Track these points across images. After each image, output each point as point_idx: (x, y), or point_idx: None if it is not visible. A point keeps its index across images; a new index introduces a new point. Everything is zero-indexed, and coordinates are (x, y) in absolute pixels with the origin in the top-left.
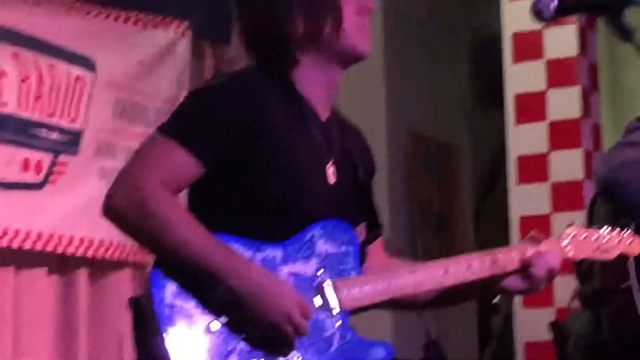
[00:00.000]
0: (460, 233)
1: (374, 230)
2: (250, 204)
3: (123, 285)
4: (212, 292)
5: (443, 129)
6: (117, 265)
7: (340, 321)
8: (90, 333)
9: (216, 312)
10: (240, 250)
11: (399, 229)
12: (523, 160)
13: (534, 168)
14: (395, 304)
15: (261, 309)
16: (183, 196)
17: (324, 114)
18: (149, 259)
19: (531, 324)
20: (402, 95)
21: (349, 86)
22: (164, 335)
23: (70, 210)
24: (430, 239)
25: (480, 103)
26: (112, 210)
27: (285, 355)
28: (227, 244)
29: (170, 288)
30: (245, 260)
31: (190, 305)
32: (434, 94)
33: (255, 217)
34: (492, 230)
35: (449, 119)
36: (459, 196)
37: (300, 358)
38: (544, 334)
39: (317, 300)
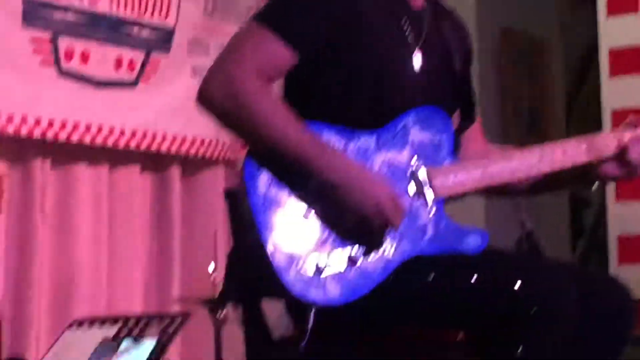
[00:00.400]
0: (552, 129)
1: (469, 118)
2: (344, 92)
3: (215, 182)
4: (304, 182)
5: (534, 24)
6: (209, 162)
7: (435, 209)
8: (184, 229)
9: (309, 202)
10: (334, 138)
11: (490, 126)
12: (616, 53)
13: (627, 61)
14: (489, 192)
15: (353, 201)
16: (277, 86)
17: (416, 3)
18: (241, 156)
19: (624, 218)
20: None
21: None
22: (258, 224)
23: (163, 107)
24: (522, 136)
25: None
26: (207, 99)
27: (376, 246)
28: (321, 134)
29: (264, 177)
30: (339, 152)
31: (283, 194)
32: None
33: (348, 105)
34: (584, 126)
35: (540, 14)
36: (550, 92)
37: (394, 246)
38: (638, 228)
39: (411, 189)
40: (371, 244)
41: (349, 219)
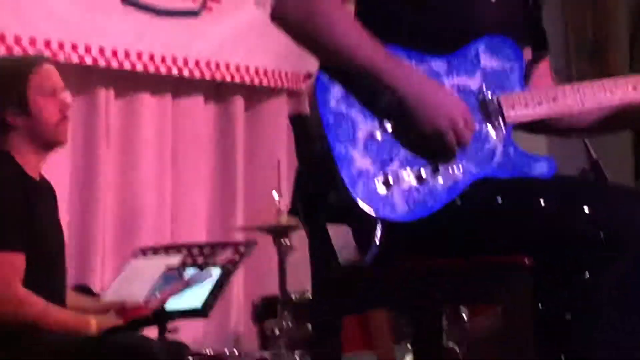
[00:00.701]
0: (615, 59)
1: (540, 52)
2: (416, 15)
3: (278, 111)
4: (377, 96)
5: None
6: (272, 92)
7: (504, 135)
8: (247, 159)
9: (380, 118)
10: (405, 60)
11: (553, 56)
12: None
13: None
14: (555, 128)
15: (425, 115)
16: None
17: None
18: (303, 85)
19: None
20: None
21: None
22: (329, 139)
23: (227, 37)
24: (584, 66)
25: None
26: (281, 16)
27: (445, 163)
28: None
29: (335, 93)
30: (412, 67)
31: (354, 110)
32: None
33: (420, 28)
34: None
35: None
36: (614, 22)
37: (463, 167)
38: None
39: (481, 114)
40: (440, 160)
41: (421, 133)
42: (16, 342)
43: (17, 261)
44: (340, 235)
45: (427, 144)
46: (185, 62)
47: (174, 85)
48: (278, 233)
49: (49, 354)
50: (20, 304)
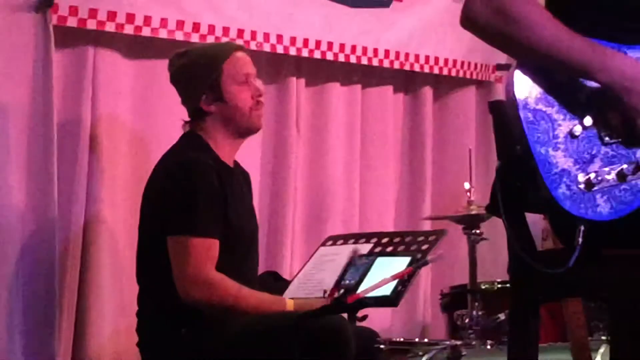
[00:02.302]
0: None
1: None
2: (609, 8)
3: (467, 103)
4: (579, 89)
5: None
6: (461, 82)
7: None
8: (436, 149)
9: (581, 113)
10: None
11: None
12: None
13: None
14: None
15: (633, 101)
16: None
17: None
18: (492, 77)
19: None
20: None
21: None
22: (528, 138)
23: (417, 27)
24: None
25: None
26: (471, 20)
27: None
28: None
29: (533, 92)
30: (617, 53)
31: (552, 109)
32: None
33: (614, 20)
34: None
35: None
36: None
37: None
38: None
39: None
40: None
41: (627, 120)
42: (209, 323)
43: (212, 247)
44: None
45: (634, 131)
46: (375, 52)
47: (364, 74)
48: (468, 223)
49: (244, 333)
50: (215, 288)
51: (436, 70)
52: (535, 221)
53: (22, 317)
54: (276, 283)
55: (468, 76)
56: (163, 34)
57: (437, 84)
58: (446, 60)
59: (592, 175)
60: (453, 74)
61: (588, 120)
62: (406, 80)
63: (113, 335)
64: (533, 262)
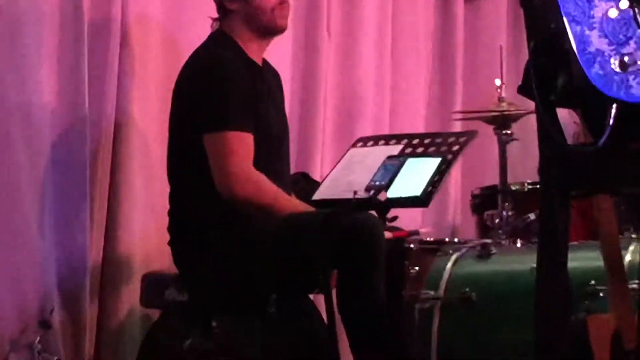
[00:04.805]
0: None
1: None
2: None
3: (499, 1)
4: None
5: None
6: None
7: None
8: (467, 50)
9: None
10: None
11: None
12: None
13: None
14: None
15: None
16: None
17: None
18: None
19: None
20: None
21: None
22: (565, 16)
23: None
24: None
25: None
26: None
27: None
28: None
29: None
30: None
31: None
32: None
33: None
34: None
35: None
36: None
37: None
38: None
39: None
40: None
41: None
42: (242, 220)
43: (249, 141)
44: (565, 119)
45: None
46: None
47: None
48: (499, 122)
49: (276, 230)
50: (256, 186)
51: None
52: (566, 123)
53: (53, 214)
54: (307, 184)
55: None
56: None
57: None
58: None
59: (627, 58)
60: None
61: (625, 2)
62: None
63: (144, 234)
64: (563, 140)
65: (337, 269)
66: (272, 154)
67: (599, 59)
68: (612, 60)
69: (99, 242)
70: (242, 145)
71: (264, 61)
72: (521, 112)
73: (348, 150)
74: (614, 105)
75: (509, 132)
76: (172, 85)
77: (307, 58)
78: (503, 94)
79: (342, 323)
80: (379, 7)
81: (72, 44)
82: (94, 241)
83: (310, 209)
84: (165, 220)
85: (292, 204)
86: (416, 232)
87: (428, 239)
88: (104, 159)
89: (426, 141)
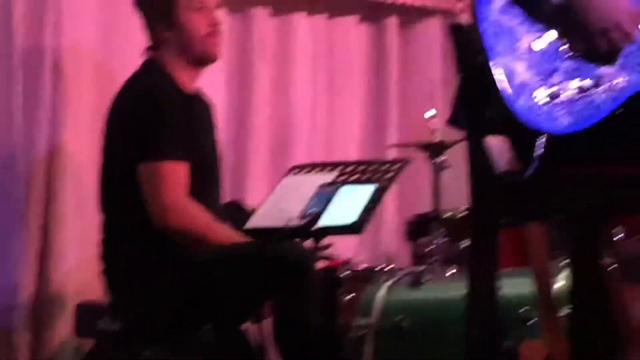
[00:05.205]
0: None
1: None
2: None
3: (432, 33)
4: (543, 3)
5: None
6: (427, 12)
7: None
8: (401, 77)
9: (544, 26)
10: None
11: None
12: None
13: None
14: None
15: (592, 15)
16: None
17: None
18: (457, 6)
19: None
20: None
21: None
22: (488, 51)
23: None
24: None
25: None
26: None
27: (611, 63)
28: None
29: (497, 4)
30: None
31: (515, 22)
32: None
33: None
34: None
35: None
36: None
37: (625, 77)
38: None
39: None
40: (604, 61)
41: (585, 33)
42: (176, 250)
43: (184, 170)
44: (495, 148)
45: (591, 44)
46: None
47: (329, 4)
48: (432, 150)
49: (210, 262)
50: (190, 216)
51: (401, 0)
52: (501, 150)
53: None
54: (241, 212)
55: (433, 5)
56: None
57: (402, 13)
58: None
59: (553, 88)
60: (418, 3)
61: (551, 34)
62: (372, 10)
63: (77, 265)
64: (492, 170)
65: (271, 299)
66: (205, 182)
67: (525, 91)
68: (537, 92)
69: (32, 273)
70: (176, 174)
71: (197, 90)
72: (454, 140)
73: (282, 178)
74: (541, 137)
75: (442, 159)
76: (105, 115)
77: (241, 85)
78: (437, 123)
79: (278, 353)
80: (313, 35)
81: (4, 73)
82: (28, 272)
83: (244, 238)
84: (97, 250)
85: (226, 234)
86: (350, 261)
87: (362, 266)
88: (38, 189)
89: (360, 168)
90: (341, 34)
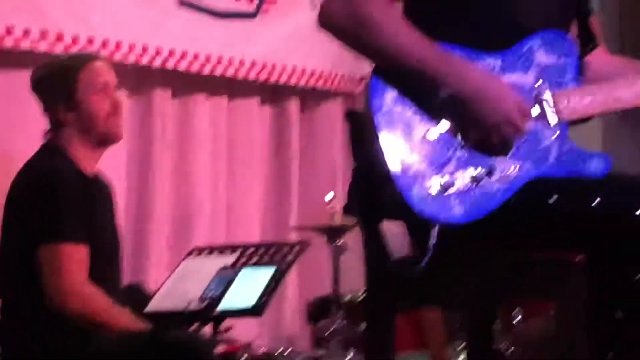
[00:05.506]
0: None
1: (590, 42)
2: (470, 13)
3: (334, 115)
4: (432, 95)
5: None
6: (327, 95)
7: (559, 132)
8: (302, 161)
9: (435, 118)
10: (459, 57)
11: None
12: None
13: None
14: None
15: (481, 110)
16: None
17: None
18: (359, 89)
19: None
20: None
21: None
22: (382, 142)
23: (283, 39)
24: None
25: None
26: (328, 19)
27: (503, 156)
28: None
29: (390, 95)
30: (466, 63)
31: (409, 112)
32: None
33: (474, 26)
34: None
35: None
36: None
37: (518, 167)
38: None
39: (536, 111)
40: (497, 154)
41: (476, 128)
42: (73, 337)
43: (83, 253)
44: (394, 231)
45: (483, 139)
46: (241, 64)
47: (230, 86)
48: (332, 233)
49: (101, 350)
50: (89, 301)
51: (302, 82)
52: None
53: None
54: (141, 295)
55: (334, 88)
56: (26, 44)
57: (303, 95)
58: (312, 72)
59: (447, 178)
60: (319, 85)
61: (443, 124)
62: (273, 92)
63: None
64: (387, 256)
65: None
66: (105, 265)
67: (418, 180)
68: (431, 181)
69: None
70: (75, 257)
71: (97, 171)
72: (354, 223)
73: (183, 259)
74: (436, 227)
75: (341, 242)
76: (4, 199)
77: (142, 166)
78: (336, 206)
79: None
80: (214, 116)
81: None
82: None
83: (143, 323)
84: None
85: (125, 318)
86: (250, 344)
87: (261, 350)
88: None
89: (260, 251)
90: (242, 116)
